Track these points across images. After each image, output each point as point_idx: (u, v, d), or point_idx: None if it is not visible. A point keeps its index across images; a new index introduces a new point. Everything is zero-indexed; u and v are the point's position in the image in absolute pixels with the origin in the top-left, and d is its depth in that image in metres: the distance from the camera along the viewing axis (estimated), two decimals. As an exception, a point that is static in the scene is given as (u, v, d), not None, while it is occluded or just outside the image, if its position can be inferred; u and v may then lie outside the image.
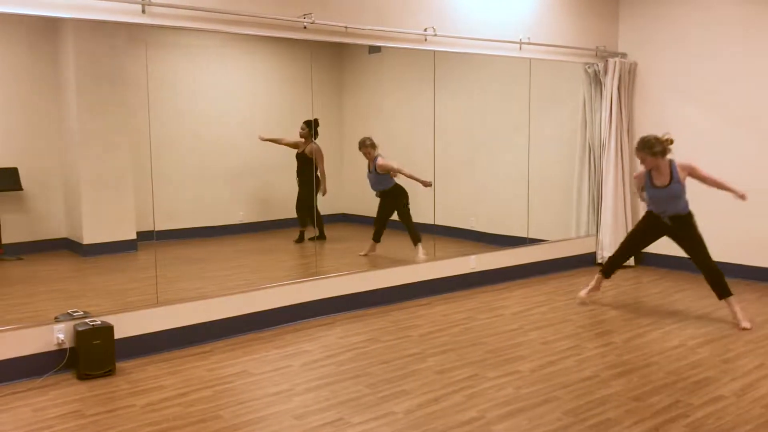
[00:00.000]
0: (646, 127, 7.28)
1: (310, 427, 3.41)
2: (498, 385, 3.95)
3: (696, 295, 6.00)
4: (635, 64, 7.32)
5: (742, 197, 5.04)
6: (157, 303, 4.68)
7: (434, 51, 5.99)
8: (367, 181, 6.43)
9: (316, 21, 5.12)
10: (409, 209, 6.36)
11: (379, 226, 6.46)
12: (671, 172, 5.11)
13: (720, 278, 5.14)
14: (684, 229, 5.22)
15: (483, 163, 7.09)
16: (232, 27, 4.83)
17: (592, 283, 5.76)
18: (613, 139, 7.16)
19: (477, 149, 7.11)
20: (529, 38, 6.57)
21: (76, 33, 5.13)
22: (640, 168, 5.25)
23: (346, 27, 5.31)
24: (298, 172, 6.38)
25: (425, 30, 5.82)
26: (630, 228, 7.29)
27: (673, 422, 3.42)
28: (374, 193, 6.43)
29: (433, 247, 6.29)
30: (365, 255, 6.46)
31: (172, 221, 5.82)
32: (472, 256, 6.40)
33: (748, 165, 6.56)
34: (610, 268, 5.68)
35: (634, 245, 5.63)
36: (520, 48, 6.57)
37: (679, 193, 5.15)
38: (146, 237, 5.13)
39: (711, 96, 6.77)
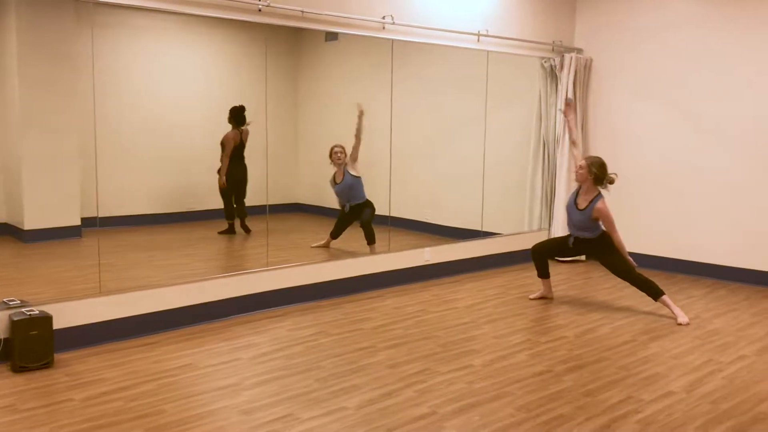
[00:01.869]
0: (600, 123, 7.36)
1: (258, 423, 3.30)
2: (450, 379, 3.90)
3: (645, 291, 6.07)
4: (590, 60, 7.36)
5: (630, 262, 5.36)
6: (101, 292, 4.50)
7: (392, 40, 5.90)
8: (332, 188, 6.31)
9: (272, 4, 4.98)
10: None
11: (341, 228, 6.34)
12: (589, 204, 5.29)
13: (648, 284, 5.29)
14: (596, 252, 5.44)
15: (439, 155, 7.04)
16: (183, 7, 4.66)
17: (542, 290, 5.79)
18: (567, 135, 7.19)
19: (433, 141, 7.04)
20: (487, 30, 6.54)
21: (18, 7, 4.88)
22: (577, 165, 5.43)
23: (302, 11, 5.18)
24: (240, 160, 6.12)
25: (383, 18, 5.72)
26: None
27: (624, 418, 3.42)
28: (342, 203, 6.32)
29: (387, 239, 6.22)
30: (318, 247, 6.34)
31: (119, 207, 5.61)
32: (427, 249, 6.36)
33: (698, 162, 6.66)
34: (541, 269, 5.72)
35: (550, 252, 5.82)
36: (478, 40, 6.53)
37: (586, 225, 5.33)
38: (92, 223, 4.93)
39: (664, 93, 6.85)
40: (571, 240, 5.48)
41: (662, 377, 4.01)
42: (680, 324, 5.08)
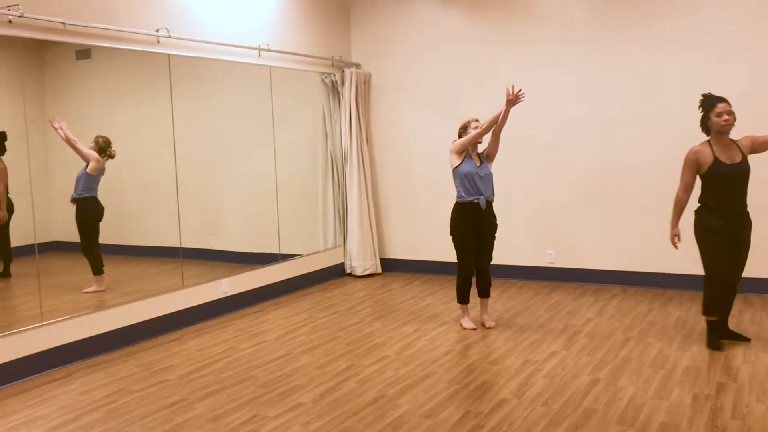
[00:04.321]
0: (384, 137, 7.42)
1: None
2: (283, 424, 3.54)
3: (445, 297, 6.18)
4: (369, 75, 7.40)
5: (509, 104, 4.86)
6: None
7: (169, 54, 5.37)
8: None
9: (25, 14, 4.23)
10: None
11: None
12: (480, 157, 5.13)
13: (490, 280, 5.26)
14: (491, 225, 5.17)
15: (228, 176, 6.52)
16: None
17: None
18: (354, 150, 7.15)
19: (219, 162, 6.52)
20: (268, 45, 6.25)
21: None
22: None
23: (64, 23, 4.49)
24: None
25: (158, 31, 5.18)
26: (377, 236, 7.37)
27: (471, 436, 3.33)
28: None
29: (180, 273, 5.63)
30: (93, 292, 5.51)
31: None
32: (224, 279, 5.88)
33: (479, 170, 6.96)
34: (463, 295, 5.24)
35: (474, 253, 5.16)
36: (260, 55, 6.22)
37: (490, 174, 5.13)
38: None
39: (441, 105, 7.07)
40: (484, 203, 5.04)
41: (491, 385, 4.01)
42: (490, 327, 5.19)
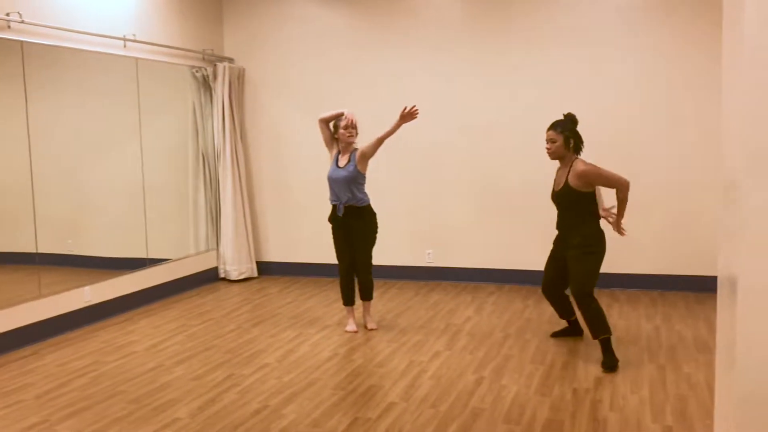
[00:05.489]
0: (260, 135, 7.18)
1: None
2: (158, 442, 3.28)
3: (326, 300, 6.06)
4: (243, 70, 7.13)
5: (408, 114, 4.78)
6: None
7: (22, 41, 4.88)
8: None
9: None
10: None
11: None
12: (350, 158, 4.97)
13: (372, 286, 5.17)
14: (359, 229, 4.99)
15: (88, 175, 6.01)
16: None
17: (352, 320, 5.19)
18: (228, 147, 6.86)
19: (79, 160, 5.99)
20: (134, 35, 5.85)
21: None
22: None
23: None
24: None
25: (8, 14, 4.69)
26: (253, 238, 7.12)
27: (361, 444, 3.22)
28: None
29: (37, 281, 5.12)
30: None
31: None
32: (87, 287, 5.43)
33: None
34: (344, 297, 5.18)
35: (345, 255, 5.10)
36: (125, 45, 5.81)
37: (355, 178, 4.92)
38: None
39: (315, 102, 6.89)
40: (341, 209, 4.94)
41: (378, 389, 3.93)
42: (372, 329, 5.12)
